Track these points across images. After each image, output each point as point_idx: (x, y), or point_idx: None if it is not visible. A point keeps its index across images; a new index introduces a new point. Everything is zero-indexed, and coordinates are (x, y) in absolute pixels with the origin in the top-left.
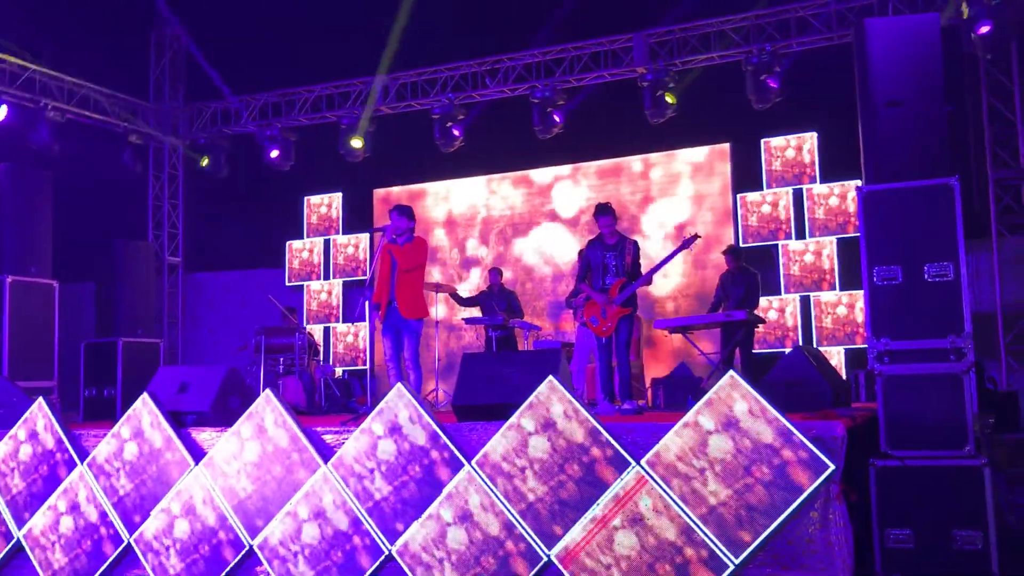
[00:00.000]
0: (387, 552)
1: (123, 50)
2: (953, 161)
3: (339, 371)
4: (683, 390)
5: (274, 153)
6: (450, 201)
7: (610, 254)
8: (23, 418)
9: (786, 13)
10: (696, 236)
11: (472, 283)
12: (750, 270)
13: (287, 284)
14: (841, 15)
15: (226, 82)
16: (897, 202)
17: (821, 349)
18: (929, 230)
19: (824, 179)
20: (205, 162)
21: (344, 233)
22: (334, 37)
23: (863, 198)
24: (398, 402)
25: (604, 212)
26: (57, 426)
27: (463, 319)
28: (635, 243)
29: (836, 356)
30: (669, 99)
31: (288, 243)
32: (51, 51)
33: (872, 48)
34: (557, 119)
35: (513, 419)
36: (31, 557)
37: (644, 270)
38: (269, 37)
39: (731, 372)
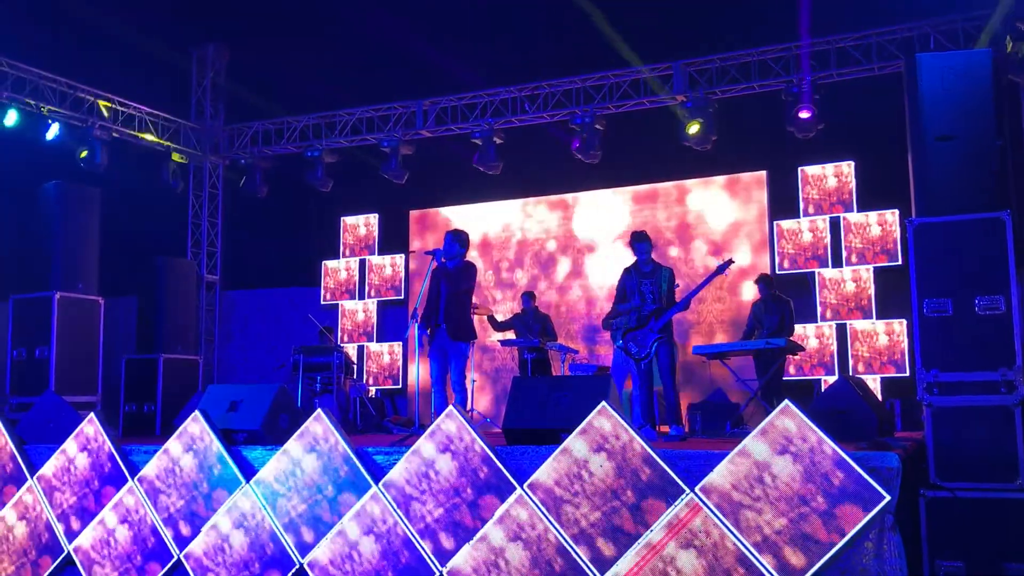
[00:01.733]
0: (438, 573)
1: (166, 70)
2: (1003, 194)
3: (372, 390)
4: (721, 416)
5: (315, 174)
6: (485, 223)
7: (646, 281)
8: (74, 433)
9: (826, 44)
10: (731, 261)
11: (506, 306)
12: (783, 298)
13: (322, 303)
14: (881, 46)
15: (267, 103)
16: (948, 235)
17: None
18: (980, 263)
19: (861, 208)
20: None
21: (380, 253)
22: (376, 62)
23: (913, 231)
24: (450, 424)
25: (640, 239)
26: (108, 441)
27: (499, 341)
28: (671, 270)
29: (872, 384)
30: (689, 129)
31: (324, 263)
32: (97, 71)
33: (923, 82)
34: (595, 144)
35: (566, 444)
36: (80, 571)
37: (679, 296)
38: (311, 60)
39: (787, 401)
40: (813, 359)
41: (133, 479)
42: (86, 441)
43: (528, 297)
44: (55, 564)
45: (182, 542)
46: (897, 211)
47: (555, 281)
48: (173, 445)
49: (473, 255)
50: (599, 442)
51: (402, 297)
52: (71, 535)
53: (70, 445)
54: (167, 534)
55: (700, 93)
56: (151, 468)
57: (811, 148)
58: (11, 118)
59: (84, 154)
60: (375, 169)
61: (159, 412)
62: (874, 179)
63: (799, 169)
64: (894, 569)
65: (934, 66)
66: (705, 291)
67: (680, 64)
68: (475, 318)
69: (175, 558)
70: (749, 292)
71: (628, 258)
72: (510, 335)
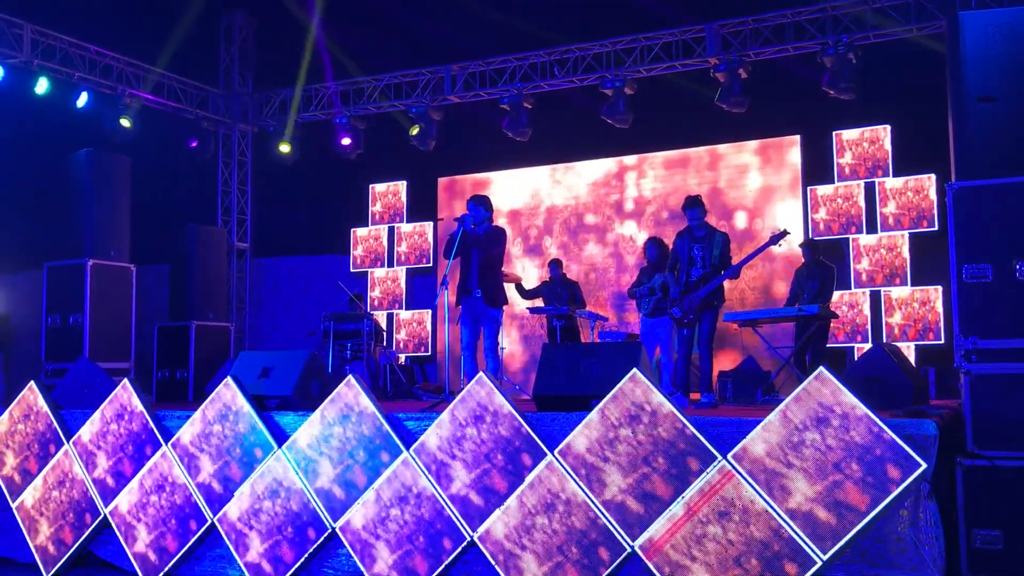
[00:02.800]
0: (469, 538)
1: (194, 38)
2: None
3: (402, 357)
4: (751, 384)
5: (345, 141)
6: (514, 190)
7: (697, 246)
8: (108, 398)
9: (863, 4)
10: (785, 232)
11: (534, 274)
12: (826, 264)
13: (351, 271)
14: (920, 7)
15: (295, 70)
16: (988, 199)
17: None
18: (1021, 227)
19: (897, 173)
20: (287, 148)
21: (408, 221)
22: (403, 26)
23: (953, 194)
24: (481, 390)
25: (693, 204)
26: (142, 407)
27: (528, 308)
28: (725, 235)
29: (907, 352)
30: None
31: (353, 230)
32: (127, 38)
33: (965, 42)
34: (624, 109)
35: (596, 410)
36: (117, 534)
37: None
38: (339, 25)
39: (822, 368)
40: (847, 326)
41: (167, 444)
42: (120, 407)
43: (555, 265)
44: (92, 526)
45: (215, 506)
46: (934, 175)
47: (584, 248)
48: (206, 411)
49: (502, 222)
50: (630, 409)
51: (431, 265)
52: (107, 498)
53: (105, 410)
54: (201, 498)
55: (733, 56)
56: (184, 433)
57: (846, 111)
58: (42, 85)
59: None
60: (403, 136)
61: (191, 378)
62: (911, 143)
63: (834, 133)
64: (929, 537)
65: (977, 25)
66: (738, 255)
67: (714, 26)
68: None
69: (209, 522)
70: (784, 259)
71: (657, 224)
72: (538, 303)
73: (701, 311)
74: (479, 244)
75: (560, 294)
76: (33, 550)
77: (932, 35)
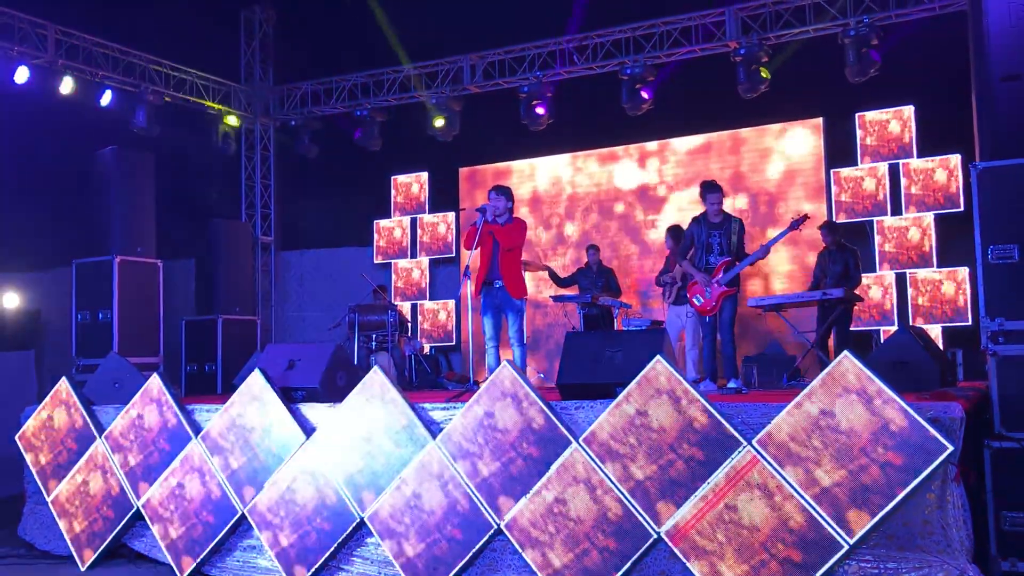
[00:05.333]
0: (496, 526)
1: (215, 33)
2: None
3: (427, 348)
4: (776, 369)
5: (363, 133)
6: (536, 179)
7: (715, 232)
8: (138, 393)
9: None
10: (805, 216)
11: (558, 261)
12: (848, 246)
13: (375, 262)
14: None
15: (315, 63)
16: (1013, 179)
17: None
18: None
19: (921, 154)
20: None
21: (430, 212)
22: (423, 15)
23: (978, 175)
24: (505, 379)
25: (710, 189)
26: (172, 401)
27: (551, 297)
28: (741, 222)
29: (933, 334)
30: (764, 74)
31: (376, 222)
32: (148, 36)
33: (989, 19)
34: (646, 96)
35: (621, 398)
36: (150, 526)
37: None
38: (358, 18)
39: (846, 352)
40: (872, 309)
41: (197, 437)
42: (150, 401)
43: (592, 251)
44: (125, 519)
45: (245, 497)
46: (959, 156)
47: (607, 235)
48: (234, 403)
49: (524, 211)
50: (654, 395)
51: (454, 255)
52: (139, 491)
53: (135, 405)
54: (231, 489)
55: (754, 39)
56: (213, 426)
57: (868, 93)
58: (67, 85)
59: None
60: (424, 127)
61: (219, 371)
62: (935, 124)
63: (856, 115)
64: (957, 520)
65: (1001, 2)
66: (761, 239)
67: (733, 9)
68: (530, 274)
69: (239, 513)
70: (807, 242)
71: (679, 211)
72: (563, 290)
73: (722, 297)
74: (500, 235)
75: (596, 281)
76: (68, 543)
77: (954, 14)
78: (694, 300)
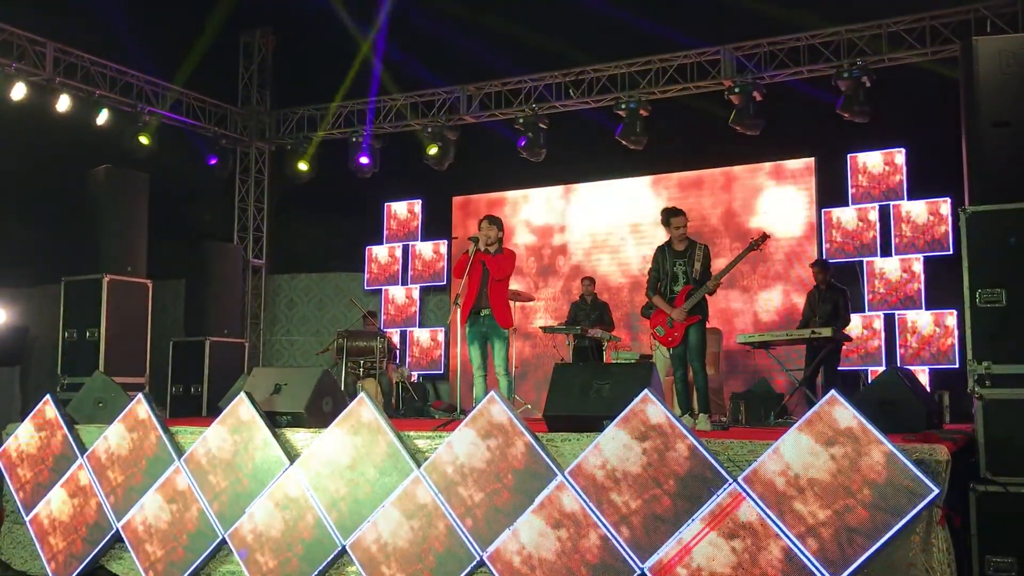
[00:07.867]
0: (479, 558)
1: (213, 56)
2: None
3: (414, 375)
4: (764, 406)
5: (362, 160)
6: (528, 210)
7: (679, 261)
8: (123, 413)
9: (878, 28)
10: (765, 236)
11: (548, 292)
12: (838, 286)
13: (365, 288)
14: (935, 30)
15: (312, 89)
16: (1002, 223)
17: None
18: None
19: (912, 196)
20: (305, 167)
21: (423, 239)
22: (416, 48)
23: (967, 219)
24: (492, 409)
25: (674, 214)
26: (156, 422)
27: (540, 328)
28: (706, 248)
29: (921, 376)
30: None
31: (368, 248)
32: (147, 56)
33: (980, 66)
34: (639, 130)
35: (607, 431)
36: (129, 548)
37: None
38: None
39: (833, 391)
40: (860, 349)
41: (180, 459)
42: (135, 421)
43: (587, 282)
44: (104, 541)
45: (227, 522)
46: (949, 199)
47: (598, 268)
48: (218, 427)
49: (517, 241)
50: (641, 430)
51: (444, 283)
52: (120, 513)
53: (119, 425)
54: (212, 514)
55: (748, 78)
56: (197, 449)
57: (861, 134)
58: (63, 103)
59: (146, 141)
60: (419, 154)
61: (205, 394)
62: (925, 166)
63: (848, 156)
64: (942, 563)
65: (992, 50)
66: (752, 277)
67: (728, 48)
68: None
69: (220, 538)
70: (799, 280)
71: None
72: (552, 322)
73: (685, 326)
74: (490, 265)
75: (589, 314)
76: (45, 564)
77: (946, 59)
78: (656, 331)
